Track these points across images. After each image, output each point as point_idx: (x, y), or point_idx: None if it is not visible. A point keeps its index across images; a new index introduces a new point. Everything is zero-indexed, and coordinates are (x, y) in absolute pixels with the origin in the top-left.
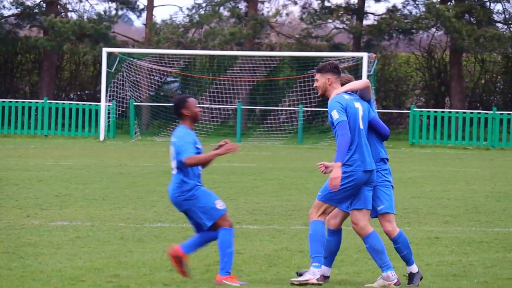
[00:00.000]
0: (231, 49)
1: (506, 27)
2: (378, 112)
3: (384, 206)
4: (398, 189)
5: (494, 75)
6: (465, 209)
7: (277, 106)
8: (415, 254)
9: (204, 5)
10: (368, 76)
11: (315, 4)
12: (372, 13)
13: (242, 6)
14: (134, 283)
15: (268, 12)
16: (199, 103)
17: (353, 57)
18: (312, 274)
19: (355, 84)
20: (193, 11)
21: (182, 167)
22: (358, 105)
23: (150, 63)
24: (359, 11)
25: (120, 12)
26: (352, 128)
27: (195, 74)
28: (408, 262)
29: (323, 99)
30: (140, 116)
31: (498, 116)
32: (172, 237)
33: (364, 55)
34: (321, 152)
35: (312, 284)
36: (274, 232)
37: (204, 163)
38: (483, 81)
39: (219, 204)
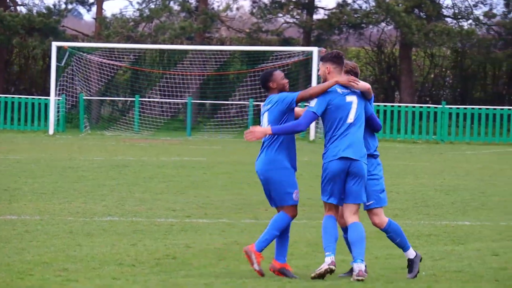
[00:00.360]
0: (181, 43)
1: (455, 21)
2: None
3: (373, 202)
4: None
5: (444, 69)
6: (414, 203)
7: (228, 101)
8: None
9: None
10: (318, 71)
11: None
12: (322, 8)
13: (193, 0)
14: (83, 277)
15: (219, 6)
16: (148, 97)
17: (303, 51)
18: (325, 263)
19: (362, 86)
20: (143, 5)
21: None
22: (352, 99)
23: (100, 57)
24: (309, 6)
25: (69, 6)
26: (335, 120)
27: (145, 68)
28: (404, 249)
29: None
30: (90, 110)
31: (447, 110)
32: (122, 230)
33: (314, 50)
34: None
35: (326, 270)
36: (224, 226)
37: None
38: (432, 76)
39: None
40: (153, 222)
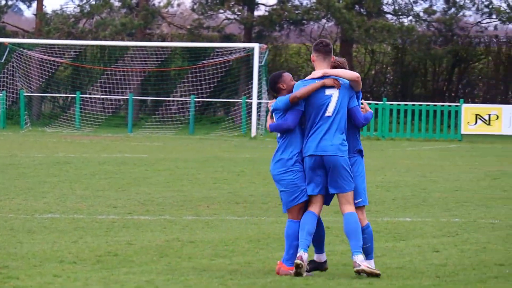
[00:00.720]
0: (122, 40)
1: (395, 18)
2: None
3: (361, 200)
4: None
5: (384, 66)
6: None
7: (169, 97)
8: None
9: None
10: (260, 67)
11: None
12: (263, 4)
13: None
14: (23, 274)
15: (159, 2)
16: (89, 94)
17: (244, 48)
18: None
19: (345, 73)
20: (84, 1)
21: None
22: (332, 92)
23: (40, 54)
24: (250, 2)
25: (10, 2)
26: (314, 114)
27: (86, 65)
28: (368, 256)
29: (214, 90)
30: (30, 106)
31: (388, 107)
32: (63, 227)
33: (255, 46)
34: (213, 143)
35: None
36: (166, 223)
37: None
38: (373, 72)
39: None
40: (95, 219)
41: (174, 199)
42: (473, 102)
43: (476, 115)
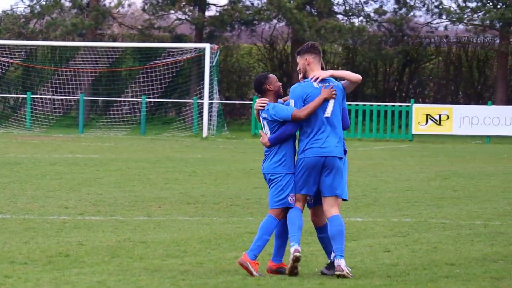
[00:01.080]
0: (73, 40)
1: (346, 18)
2: (220, 103)
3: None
4: (241, 180)
5: (335, 66)
6: None
7: (120, 97)
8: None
9: None
10: (211, 67)
11: None
12: (214, 4)
13: None
14: None
15: (110, 3)
16: (40, 94)
17: (195, 48)
18: (290, 254)
19: (349, 74)
20: (34, 1)
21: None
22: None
23: None
24: (201, 2)
25: None
26: (314, 116)
27: (36, 65)
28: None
29: (166, 90)
30: None
31: None
32: (14, 228)
33: (207, 46)
34: (164, 143)
35: (292, 259)
36: (117, 223)
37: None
38: None
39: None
40: (46, 220)
41: (126, 200)
42: (424, 102)
43: (427, 115)
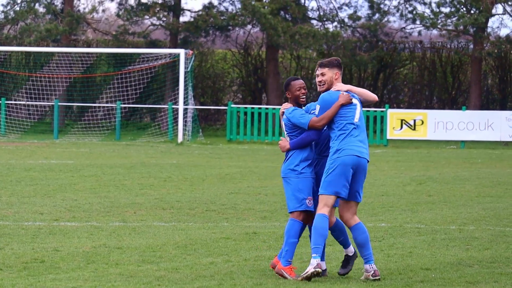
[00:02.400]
0: (47, 46)
1: (320, 24)
2: (195, 109)
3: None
4: (216, 186)
5: (310, 71)
6: (283, 205)
7: (95, 103)
8: (234, 249)
9: (19, 1)
10: (186, 73)
11: (132, 1)
12: (188, 10)
13: (58, 2)
14: None
15: (84, 8)
16: (14, 100)
17: (170, 53)
18: (311, 265)
19: (365, 93)
20: (8, 7)
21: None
22: (356, 101)
23: None
24: (176, 8)
25: None
26: (343, 120)
27: (10, 71)
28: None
29: (141, 96)
30: None
31: None
32: None
33: (181, 52)
34: (139, 149)
35: (312, 273)
36: (92, 229)
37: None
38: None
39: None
40: (21, 226)
41: (101, 205)
42: (398, 107)
43: (402, 120)
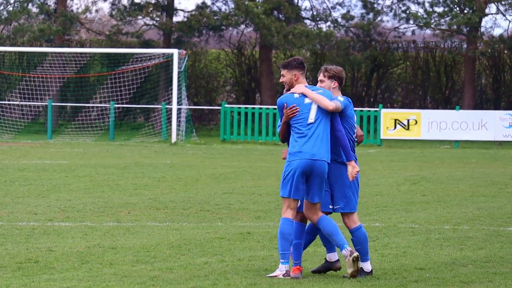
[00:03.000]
0: (41, 46)
1: (314, 23)
2: (189, 108)
3: (340, 206)
4: (210, 185)
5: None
6: (277, 204)
7: (88, 103)
8: (228, 249)
9: (12, 1)
10: (179, 73)
11: (125, 1)
12: (182, 10)
13: (51, 2)
14: None
15: (78, 8)
16: (8, 100)
17: (163, 53)
18: (279, 270)
19: (319, 100)
20: (1, 7)
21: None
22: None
23: None
24: (169, 8)
25: None
26: (301, 120)
27: (4, 71)
28: (361, 258)
29: (134, 96)
30: None
31: None
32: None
33: (175, 52)
34: (133, 149)
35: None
36: (87, 229)
37: None
38: None
39: None
40: (15, 226)
41: (95, 206)
42: (392, 107)
43: (395, 120)
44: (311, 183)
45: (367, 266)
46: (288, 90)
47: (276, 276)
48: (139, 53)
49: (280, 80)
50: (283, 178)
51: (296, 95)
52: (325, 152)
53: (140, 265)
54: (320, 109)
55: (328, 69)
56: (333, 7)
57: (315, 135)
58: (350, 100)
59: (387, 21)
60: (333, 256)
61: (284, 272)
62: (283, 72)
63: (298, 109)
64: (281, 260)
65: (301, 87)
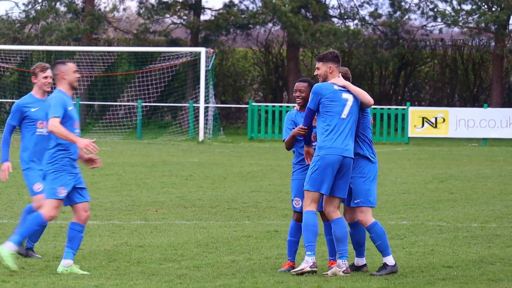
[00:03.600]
0: (69, 45)
1: (341, 22)
2: (216, 107)
3: (360, 200)
4: (237, 184)
5: None
6: None
7: (116, 102)
8: (255, 247)
9: (40, 0)
10: (206, 71)
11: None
12: (209, 8)
13: (79, 1)
14: None
15: (105, 7)
16: None
17: (191, 52)
18: (306, 262)
19: (361, 94)
20: (29, 6)
21: None
22: (348, 96)
23: None
24: (197, 6)
25: None
26: (329, 114)
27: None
28: (383, 253)
29: (162, 94)
30: None
31: None
32: (11, 233)
33: (202, 50)
34: (161, 147)
35: (308, 272)
36: (114, 228)
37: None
38: None
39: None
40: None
41: (122, 204)
42: (420, 105)
43: (423, 118)
44: (339, 179)
45: (390, 260)
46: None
47: (302, 269)
48: (167, 51)
49: (315, 73)
50: (311, 172)
51: (336, 87)
52: (353, 149)
53: (167, 263)
54: (354, 106)
55: None
56: (361, 5)
57: (345, 131)
58: None
59: (415, 19)
60: (360, 261)
61: (311, 264)
62: (318, 65)
63: (306, 132)
64: (307, 252)
65: (343, 80)
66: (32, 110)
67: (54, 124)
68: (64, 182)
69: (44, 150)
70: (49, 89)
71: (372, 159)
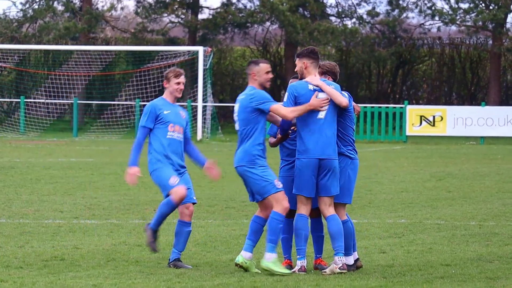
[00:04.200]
0: (66, 44)
1: (339, 20)
2: (214, 106)
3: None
4: (235, 183)
5: None
6: None
7: (114, 101)
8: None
9: None
10: (204, 70)
11: None
12: (207, 7)
13: (77, 0)
14: None
15: (103, 6)
16: (34, 98)
17: (189, 51)
18: (296, 266)
19: (334, 95)
20: (27, 5)
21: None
22: (323, 96)
23: None
24: (194, 5)
25: None
26: (306, 116)
27: (30, 69)
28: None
29: (159, 94)
30: None
31: None
32: (9, 232)
33: (200, 49)
34: None
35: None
36: (112, 227)
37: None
38: None
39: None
40: (41, 224)
41: (120, 203)
42: (418, 103)
43: (421, 116)
44: (322, 179)
45: (349, 259)
46: (301, 79)
47: (294, 272)
48: (165, 50)
49: (295, 70)
50: (294, 175)
51: (310, 87)
52: (333, 151)
53: (165, 262)
54: (330, 106)
55: (321, 65)
56: (358, 4)
57: (323, 132)
58: (350, 95)
59: (412, 18)
60: (352, 257)
61: (300, 267)
62: (296, 61)
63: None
64: (297, 256)
65: (318, 79)
66: (165, 112)
67: (285, 109)
68: (274, 175)
69: (174, 153)
70: (180, 95)
71: (351, 155)
